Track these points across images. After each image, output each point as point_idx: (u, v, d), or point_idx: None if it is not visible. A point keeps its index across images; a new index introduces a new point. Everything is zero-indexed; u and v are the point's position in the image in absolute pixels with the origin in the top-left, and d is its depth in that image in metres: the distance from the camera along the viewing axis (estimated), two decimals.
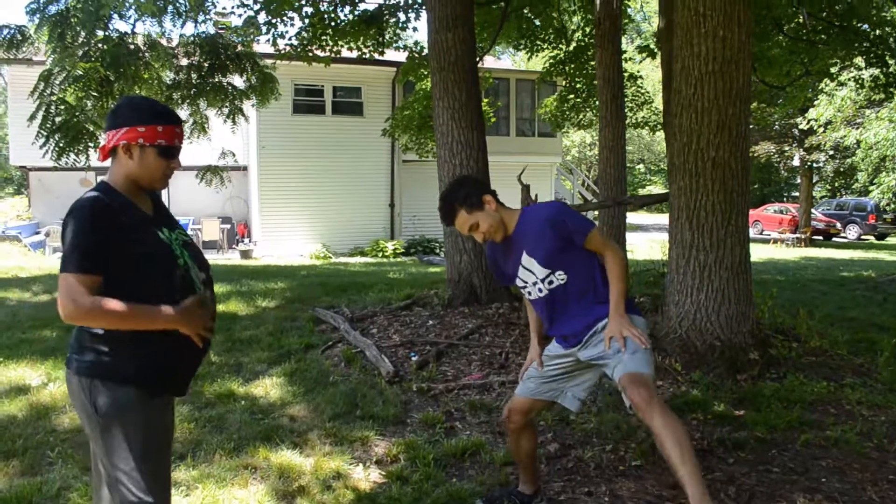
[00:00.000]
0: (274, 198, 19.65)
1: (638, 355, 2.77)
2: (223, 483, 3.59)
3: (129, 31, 11.32)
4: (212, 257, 17.97)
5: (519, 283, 3.08)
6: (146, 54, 11.11)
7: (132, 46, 10.88)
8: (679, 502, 3.46)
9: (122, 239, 2.11)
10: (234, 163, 13.61)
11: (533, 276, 2.99)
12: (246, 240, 20.76)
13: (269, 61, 12.48)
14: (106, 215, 2.10)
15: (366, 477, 3.73)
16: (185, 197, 20.66)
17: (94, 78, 10.33)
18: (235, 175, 20.72)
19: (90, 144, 10.84)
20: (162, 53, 11.08)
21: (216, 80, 11.80)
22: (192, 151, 15.20)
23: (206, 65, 11.74)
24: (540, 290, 3.00)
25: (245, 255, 18.59)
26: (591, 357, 2.96)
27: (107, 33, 10.80)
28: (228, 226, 21.05)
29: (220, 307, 7.91)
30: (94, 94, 10.56)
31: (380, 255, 19.49)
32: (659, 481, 3.64)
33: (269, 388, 5.15)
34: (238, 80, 12.57)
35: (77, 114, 10.59)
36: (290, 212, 19.78)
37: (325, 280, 10.71)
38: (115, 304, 2.04)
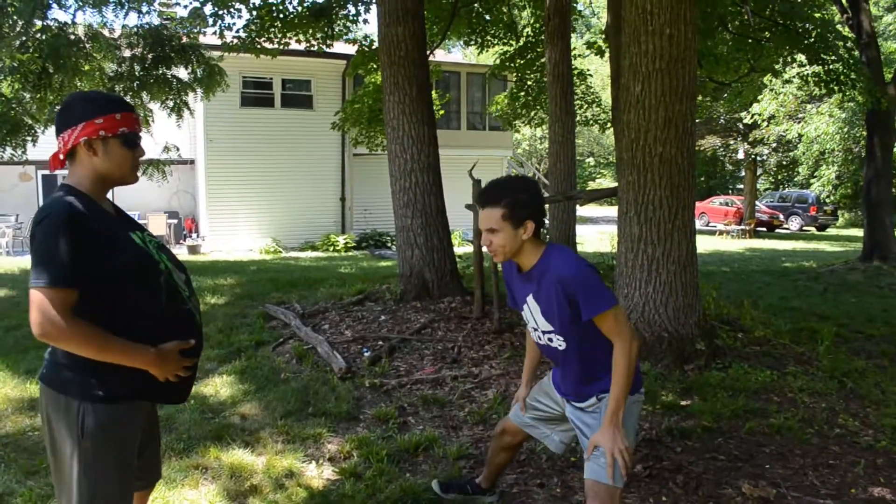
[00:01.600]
0: (222, 192, 19.34)
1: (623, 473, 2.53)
2: (173, 484, 3.53)
3: (70, 22, 11.00)
4: None
5: (522, 314, 2.79)
6: (87, 45, 10.81)
7: (72, 37, 10.57)
8: (628, 492, 3.53)
9: (102, 248, 1.97)
10: (178, 157, 13.34)
11: (534, 322, 2.72)
12: (193, 235, 20.40)
13: (215, 53, 12.24)
14: (81, 223, 1.95)
15: (319, 474, 3.71)
16: (129, 191, 20.16)
17: (32, 69, 10.01)
18: (182, 169, 20.34)
19: (28, 138, 10.51)
20: (104, 44, 10.81)
21: (160, 72, 11.54)
22: None
23: (149, 57, 11.47)
24: (538, 338, 2.76)
25: (193, 250, 18.26)
26: (573, 423, 2.80)
27: (46, 23, 10.47)
28: (175, 221, 20.64)
29: None
30: (32, 86, 10.24)
31: (331, 249, 19.35)
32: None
33: (219, 386, 5.08)
34: (183, 73, 12.32)
35: (14, 106, 10.27)
36: (239, 206, 19.49)
37: (275, 275, 10.60)
38: (95, 335, 1.94)
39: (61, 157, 2.07)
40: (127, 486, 2.16)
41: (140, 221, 12.53)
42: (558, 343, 2.66)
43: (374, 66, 12.44)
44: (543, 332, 2.69)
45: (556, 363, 2.83)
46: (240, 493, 3.47)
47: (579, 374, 2.70)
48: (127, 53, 11.73)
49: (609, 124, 16.02)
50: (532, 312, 2.69)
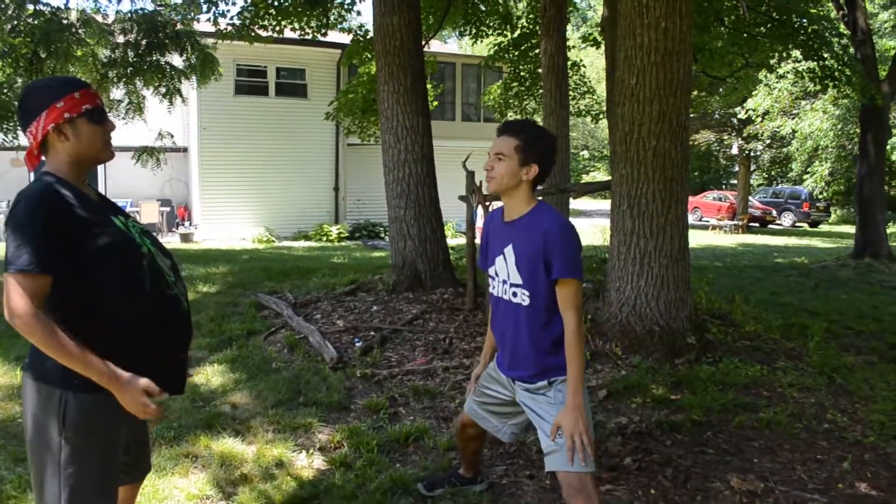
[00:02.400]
0: (215, 180, 19.26)
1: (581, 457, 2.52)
2: (163, 472, 3.53)
3: (63, 6, 10.90)
4: None
5: (492, 271, 2.79)
6: (80, 31, 10.73)
7: (65, 22, 10.48)
8: (618, 484, 3.54)
9: (81, 231, 1.93)
10: (171, 144, 13.27)
11: (505, 272, 2.69)
12: (186, 223, 20.33)
13: (209, 40, 12.17)
14: (60, 207, 1.91)
15: (309, 464, 3.72)
16: (122, 179, 20.09)
17: (23, 54, 9.93)
18: (175, 157, 20.24)
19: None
20: (97, 30, 10.72)
21: (154, 58, 11.47)
22: (129, 132, 14.84)
23: (143, 43, 11.38)
24: (503, 293, 2.73)
25: (185, 238, 18.21)
26: (526, 407, 2.75)
27: (38, 7, 10.38)
28: (168, 209, 20.57)
29: None
30: (24, 70, 10.16)
31: (324, 239, 19.32)
32: (598, 464, 3.71)
33: (210, 375, 5.07)
34: (177, 60, 12.25)
35: (5, 91, 10.19)
36: (232, 194, 19.43)
37: (267, 265, 10.58)
38: (68, 344, 1.86)
39: (35, 152, 2.04)
40: (111, 479, 2.11)
41: (132, 209, 12.51)
42: (522, 298, 2.64)
43: (369, 55, 12.38)
44: (511, 286, 2.67)
45: (507, 333, 2.76)
46: (230, 482, 3.47)
47: (532, 342, 2.66)
48: (120, 39, 11.64)
49: (602, 115, 16.02)
50: (507, 263, 2.68)
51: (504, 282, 2.72)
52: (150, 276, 2.06)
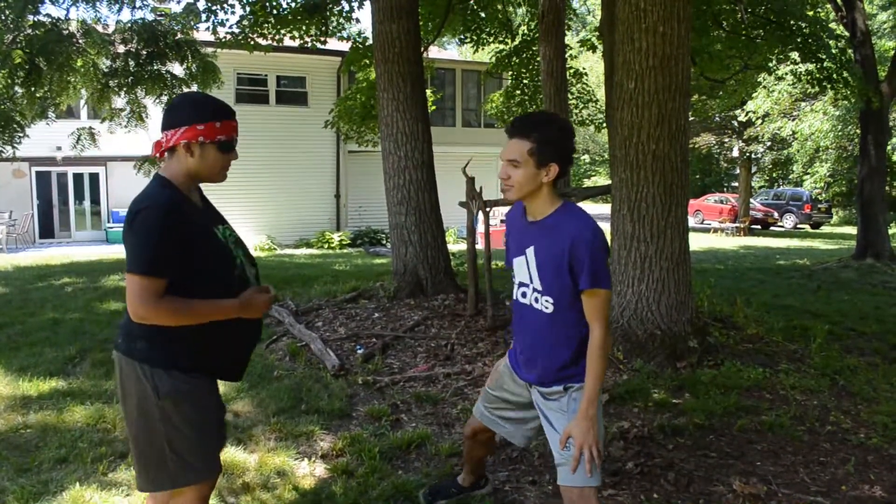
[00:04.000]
0: (217, 189, 19.11)
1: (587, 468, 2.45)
2: None
3: (63, 17, 10.95)
4: None
5: (514, 266, 2.64)
6: (80, 41, 10.76)
7: (65, 32, 10.52)
8: (620, 489, 3.54)
9: (191, 240, 2.15)
10: None
11: (525, 274, 2.57)
12: None
13: (209, 49, 12.21)
14: (176, 217, 2.13)
15: (311, 472, 3.71)
16: (122, 188, 20.18)
17: (21, 65, 9.95)
18: None
19: (18, 133, 10.46)
20: (97, 40, 10.76)
21: (155, 67, 11.50)
22: (132, 141, 14.89)
23: (143, 52, 11.43)
24: (524, 295, 2.60)
25: None
26: (540, 409, 2.67)
27: (37, 18, 10.42)
28: None
29: None
30: (22, 81, 10.18)
31: (326, 246, 19.33)
32: (602, 470, 3.70)
33: None
34: (178, 69, 12.28)
35: (5, 101, 10.22)
36: (233, 203, 19.40)
37: (269, 272, 10.58)
38: (181, 305, 2.12)
39: (162, 150, 2.26)
40: (208, 446, 2.33)
41: None
42: (544, 305, 2.52)
43: (368, 62, 12.41)
44: (533, 290, 2.54)
45: (526, 337, 2.65)
46: (231, 491, 3.47)
47: (551, 351, 2.56)
48: (121, 49, 11.68)
49: (604, 124, 16.03)
50: (528, 265, 2.54)
51: (524, 284, 2.59)
52: (239, 285, 2.28)
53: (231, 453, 3.84)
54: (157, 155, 2.30)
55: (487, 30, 13.55)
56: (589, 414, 2.42)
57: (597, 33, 12.79)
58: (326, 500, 3.37)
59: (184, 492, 2.33)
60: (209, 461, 2.35)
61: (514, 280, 2.67)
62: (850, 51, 13.62)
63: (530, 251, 2.53)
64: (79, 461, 3.75)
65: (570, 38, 18.81)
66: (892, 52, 15.07)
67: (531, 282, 2.55)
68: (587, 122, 16.78)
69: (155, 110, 12.28)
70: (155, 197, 2.15)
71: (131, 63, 11.55)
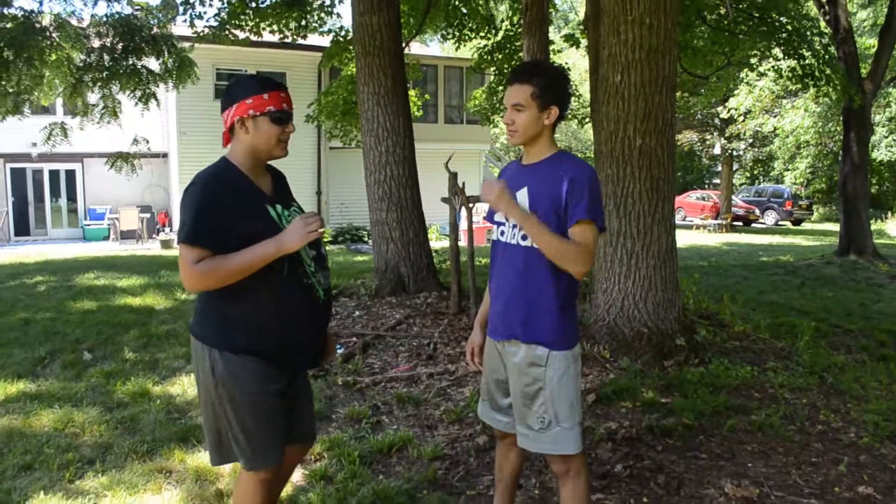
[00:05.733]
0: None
1: (558, 433, 2.50)
2: (135, 489, 3.38)
3: (37, 10, 10.68)
4: (130, 248, 17.32)
5: (498, 217, 2.62)
6: (54, 35, 10.51)
7: (38, 26, 10.26)
8: (609, 493, 3.43)
9: (232, 216, 2.23)
10: (147, 150, 13.03)
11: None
12: (167, 229, 20.08)
13: (186, 44, 11.98)
14: (217, 191, 2.24)
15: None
16: (100, 185, 19.86)
17: None
18: (155, 162, 20.01)
19: None
20: (72, 34, 10.51)
21: (130, 62, 11.26)
22: (109, 138, 14.62)
23: (119, 47, 11.18)
24: (511, 237, 2.55)
25: (166, 245, 17.92)
26: (516, 377, 2.57)
27: (9, 11, 10.15)
28: (148, 215, 20.30)
29: (136, 300, 7.57)
30: None
31: None
32: (588, 472, 3.59)
33: (186, 385, 4.91)
34: (154, 63, 12.05)
35: None
36: None
37: None
38: (213, 264, 2.19)
39: (226, 134, 2.38)
40: (264, 430, 2.36)
41: (111, 216, 12.29)
42: (531, 241, 2.47)
43: (349, 56, 12.24)
44: (521, 228, 2.49)
45: (508, 283, 2.56)
46: (205, 498, 3.32)
47: (536, 291, 2.49)
48: (96, 43, 11.43)
49: (587, 118, 15.95)
50: (520, 204, 2.51)
51: (514, 226, 2.54)
52: (290, 265, 2.30)
53: (205, 458, 3.69)
54: (227, 142, 2.39)
55: (469, 25, 13.40)
56: (512, 206, 2.45)
57: (581, 27, 12.71)
58: None
59: (243, 474, 2.44)
60: (263, 450, 2.37)
61: (499, 226, 2.64)
62: (832, 48, 13.63)
63: (522, 192, 2.53)
64: (44, 468, 3.60)
65: (554, 34, 18.75)
66: (874, 50, 15.09)
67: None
68: (569, 115, 16.67)
69: (129, 105, 12.02)
70: (203, 173, 2.28)
71: (106, 58, 11.29)
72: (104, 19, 11.25)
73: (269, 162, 2.48)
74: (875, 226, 17.04)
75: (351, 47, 11.18)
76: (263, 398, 2.34)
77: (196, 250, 2.19)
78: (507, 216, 2.50)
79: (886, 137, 24.94)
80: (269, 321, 2.32)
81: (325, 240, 19.36)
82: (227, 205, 2.23)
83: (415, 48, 16.68)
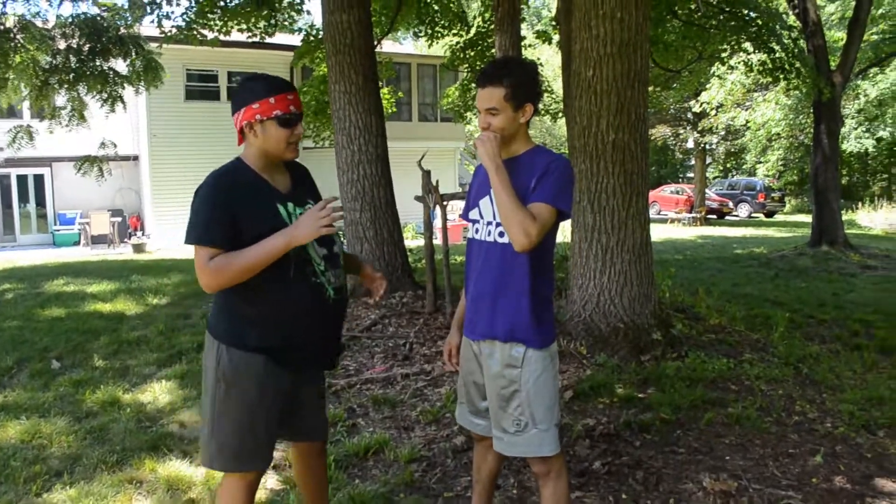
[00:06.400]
0: (168, 188, 18.79)
1: (534, 435, 2.46)
2: (104, 501, 3.30)
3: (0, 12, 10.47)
4: (102, 253, 17.07)
5: (474, 215, 2.59)
6: (18, 36, 10.31)
7: (1, 28, 10.05)
8: (587, 491, 3.40)
9: (243, 214, 2.23)
10: (115, 153, 12.81)
11: (490, 212, 2.50)
12: (139, 233, 19.82)
13: (154, 45, 11.80)
14: (226, 191, 2.25)
15: (262, 484, 3.49)
16: (70, 189, 19.56)
17: None
18: (126, 165, 19.75)
19: None
20: (37, 35, 10.31)
21: (97, 64, 11.06)
22: (78, 141, 14.37)
23: (86, 48, 10.98)
24: (487, 234, 2.51)
25: (138, 249, 17.70)
26: (492, 380, 2.53)
27: None
28: (119, 219, 20.02)
29: (107, 306, 7.44)
30: None
31: None
32: (567, 469, 3.55)
33: (157, 392, 4.81)
34: (121, 65, 11.85)
35: None
36: (185, 203, 18.59)
37: None
38: (223, 261, 2.19)
39: (238, 134, 2.38)
40: (257, 432, 2.35)
41: (82, 220, 12.06)
42: (508, 237, 2.40)
43: (321, 56, 12.13)
44: (497, 225, 2.45)
45: (487, 281, 2.51)
46: None
47: (515, 289, 2.44)
48: (62, 45, 11.21)
49: (560, 114, 15.96)
50: (493, 202, 2.46)
51: (489, 223, 2.51)
52: (296, 263, 2.29)
53: (176, 467, 3.62)
54: (241, 142, 2.40)
55: (442, 22, 13.34)
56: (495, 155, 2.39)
57: (553, 23, 12.71)
58: None
59: (227, 476, 2.42)
60: (252, 452, 2.37)
61: (474, 223, 2.59)
62: (801, 41, 13.75)
63: None
64: (10, 481, 3.50)
65: (526, 30, 18.74)
66: (843, 43, 15.26)
67: (495, 217, 2.48)
68: (542, 111, 16.69)
69: (96, 108, 11.82)
70: (215, 172, 2.31)
71: (72, 59, 11.09)
72: (70, 20, 11.05)
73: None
74: (846, 216, 17.21)
75: (322, 46, 11.10)
76: (264, 399, 2.34)
77: (208, 249, 2.20)
78: (485, 163, 2.40)
79: (856, 129, 25.25)
80: (276, 319, 2.32)
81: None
82: (238, 203, 2.24)
83: (387, 46, 16.56)
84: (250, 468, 2.41)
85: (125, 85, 11.53)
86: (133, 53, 11.19)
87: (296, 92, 2.38)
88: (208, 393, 2.37)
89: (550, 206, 2.35)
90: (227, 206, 2.23)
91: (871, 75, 22.39)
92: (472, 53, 13.81)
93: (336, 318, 2.47)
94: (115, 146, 12.77)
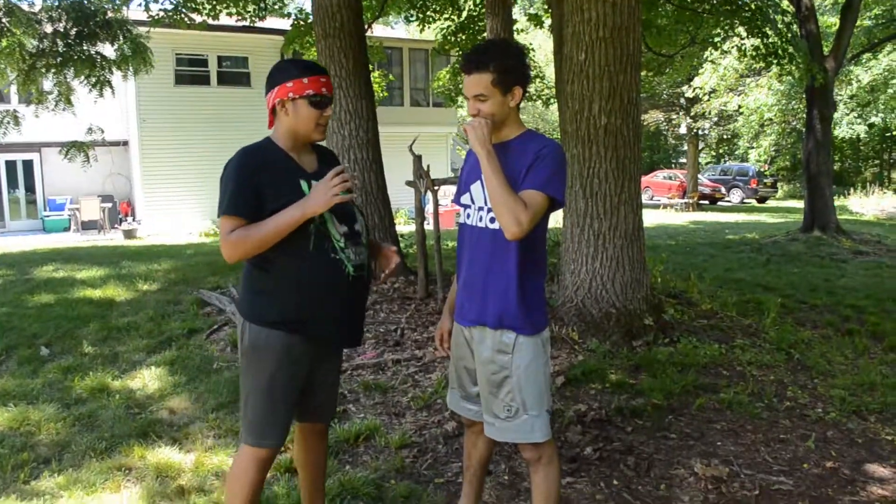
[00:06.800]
0: (158, 173, 18.66)
1: (524, 421, 2.44)
2: (92, 489, 3.27)
3: None
4: (92, 239, 16.97)
5: (465, 199, 2.54)
6: (4, 20, 10.15)
7: None
8: (579, 477, 3.39)
9: (268, 189, 2.30)
10: (102, 139, 12.67)
11: (482, 197, 2.45)
12: (129, 219, 19.69)
13: (143, 29, 11.66)
14: (251, 165, 2.33)
15: None
16: (59, 175, 19.40)
17: None
18: (116, 151, 19.59)
19: None
20: (23, 19, 10.14)
21: (84, 48, 10.91)
22: (64, 126, 14.22)
23: (73, 32, 10.82)
24: (479, 220, 2.47)
25: (129, 235, 17.60)
26: (483, 365, 2.51)
27: None
28: (110, 205, 19.88)
29: (97, 293, 7.38)
30: None
31: None
32: (558, 456, 3.54)
33: (147, 379, 4.78)
34: (109, 50, 11.71)
35: None
36: (176, 188, 18.86)
37: (212, 259, 10.19)
38: (242, 233, 2.26)
39: (270, 116, 2.46)
40: (276, 408, 2.41)
41: (72, 206, 11.92)
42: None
43: (311, 40, 12.02)
44: (489, 210, 2.41)
45: (477, 267, 2.48)
46: (166, 496, 3.22)
47: (506, 275, 2.41)
48: (49, 29, 11.06)
49: (552, 99, 15.90)
50: (484, 187, 2.42)
51: (480, 209, 2.48)
52: (316, 239, 2.34)
53: (165, 454, 3.60)
54: (272, 123, 2.47)
55: (433, 6, 13.24)
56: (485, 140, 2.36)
57: (545, 6, 12.62)
58: (266, 502, 3.14)
59: (242, 450, 2.47)
60: (268, 429, 2.42)
61: (465, 208, 2.56)
62: (795, 26, 13.70)
63: None
64: None
65: (518, 14, 18.63)
66: (836, 28, 15.21)
67: (486, 203, 2.44)
68: (534, 97, 16.62)
69: (85, 93, 11.69)
70: (244, 147, 2.39)
71: (59, 44, 10.93)
72: (56, 4, 10.88)
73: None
74: (838, 202, 17.24)
75: (312, 30, 11.00)
76: (282, 375, 2.39)
77: (231, 220, 2.28)
78: (476, 149, 2.36)
79: (848, 115, 25.26)
80: (294, 293, 2.35)
81: None
82: (263, 177, 2.31)
83: (378, 31, 16.45)
84: (266, 444, 2.43)
85: (113, 69, 11.36)
86: (121, 37, 11.03)
87: (328, 76, 2.44)
88: (241, 371, 2.47)
89: (542, 193, 2.33)
90: (251, 179, 2.30)
91: (863, 61, 22.37)
92: (464, 37, 13.72)
93: (356, 295, 2.48)
94: (103, 131, 12.60)
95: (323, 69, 2.46)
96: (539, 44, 26.37)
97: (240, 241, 2.27)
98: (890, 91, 23.23)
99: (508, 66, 2.38)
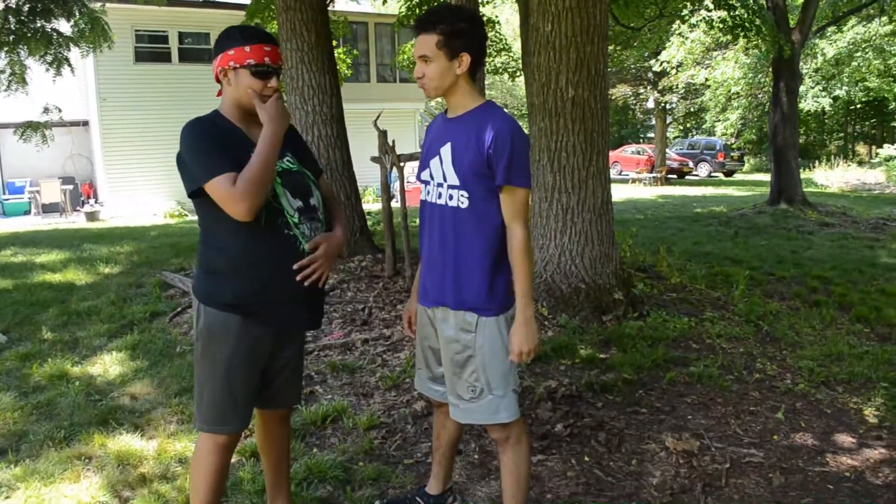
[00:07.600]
0: (120, 154, 18.24)
1: (490, 401, 2.39)
2: (50, 479, 3.15)
3: None
4: (53, 222, 16.59)
5: (425, 175, 2.47)
6: None
7: None
8: (550, 454, 3.35)
9: (225, 148, 2.20)
10: (60, 119, 12.31)
11: (440, 174, 2.39)
12: (91, 201, 19.28)
13: (98, 4, 11.32)
14: (205, 127, 2.23)
15: None
16: (18, 157, 18.89)
17: None
18: (76, 131, 19.14)
19: None
20: None
21: (39, 25, 10.56)
22: (23, 107, 13.82)
23: (26, 8, 10.47)
24: (437, 196, 2.42)
25: (91, 217, 17.23)
26: (446, 345, 2.44)
27: None
28: (71, 186, 19.42)
29: (56, 277, 7.19)
30: None
31: None
32: (529, 433, 3.50)
33: (108, 364, 4.65)
34: (65, 26, 11.35)
35: None
36: (139, 168, 18.45)
37: (176, 240, 10.01)
38: (247, 174, 2.13)
39: (217, 85, 2.34)
40: (234, 393, 2.31)
41: (32, 189, 11.63)
42: (460, 200, 2.34)
43: (272, 15, 11.76)
44: (448, 187, 2.36)
45: (438, 245, 2.43)
46: (127, 484, 3.12)
47: (468, 253, 2.36)
48: (0, 5, 10.68)
49: (519, 72, 15.79)
50: (441, 163, 2.38)
51: (439, 185, 2.40)
52: (267, 214, 2.22)
53: (126, 441, 3.49)
54: (219, 94, 2.35)
55: None
56: (526, 316, 2.32)
57: None
58: (232, 488, 3.06)
59: (202, 437, 2.38)
60: (228, 413, 2.32)
61: (426, 184, 2.49)
62: None
63: (446, 148, 2.38)
64: None
65: None
66: (801, 1, 15.27)
67: (445, 179, 2.38)
68: (500, 69, 16.49)
69: (39, 71, 11.33)
70: (189, 121, 2.24)
71: (12, 20, 10.56)
72: None
73: None
74: (804, 175, 17.42)
75: (273, 3, 10.75)
76: (239, 359, 2.29)
77: (224, 178, 2.13)
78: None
79: (812, 88, 25.48)
80: (247, 275, 2.25)
81: None
82: (216, 136, 2.22)
83: (341, 4, 16.16)
84: (225, 430, 2.34)
85: (70, 46, 11.02)
86: (76, 13, 10.70)
87: (275, 45, 2.29)
88: (195, 355, 2.37)
89: (517, 187, 2.30)
90: (213, 139, 2.20)
91: (828, 34, 22.52)
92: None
93: (325, 276, 2.38)
94: (60, 111, 12.24)
95: (269, 36, 2.31)
96: (507, 18, 26.19)
97: (250, 183, 2.12)
98: (854, 64, 23.44)
99: (456, 29, 2.28)
